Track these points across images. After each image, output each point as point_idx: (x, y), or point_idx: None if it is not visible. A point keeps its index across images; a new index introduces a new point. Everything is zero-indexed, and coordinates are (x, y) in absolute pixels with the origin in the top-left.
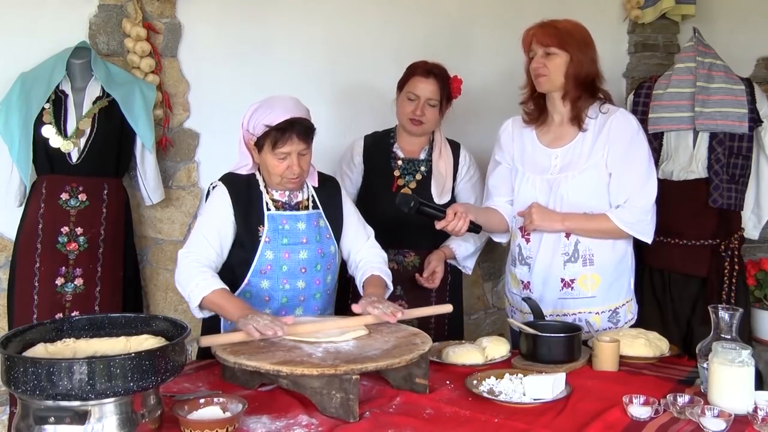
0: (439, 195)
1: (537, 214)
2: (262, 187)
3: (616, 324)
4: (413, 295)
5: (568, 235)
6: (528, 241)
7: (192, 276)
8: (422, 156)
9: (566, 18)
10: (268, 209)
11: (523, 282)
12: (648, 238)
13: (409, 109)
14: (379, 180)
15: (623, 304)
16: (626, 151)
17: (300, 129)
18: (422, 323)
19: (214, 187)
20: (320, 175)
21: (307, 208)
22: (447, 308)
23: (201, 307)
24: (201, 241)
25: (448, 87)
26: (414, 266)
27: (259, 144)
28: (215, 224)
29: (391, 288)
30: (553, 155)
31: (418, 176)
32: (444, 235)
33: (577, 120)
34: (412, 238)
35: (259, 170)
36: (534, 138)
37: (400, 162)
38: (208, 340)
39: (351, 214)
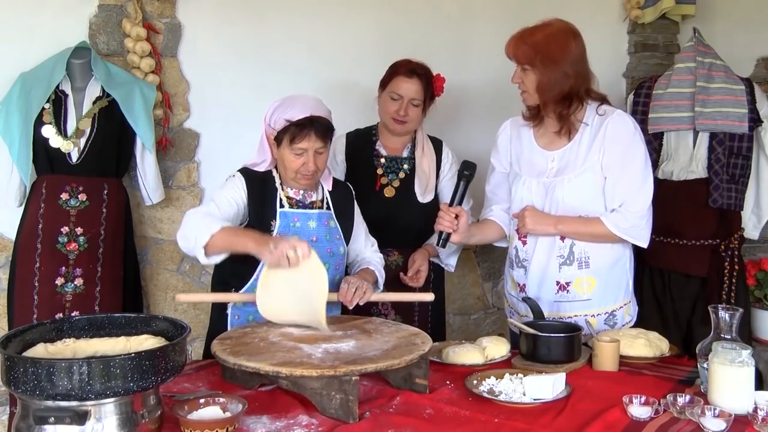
0: (423, 193)
1: (530, 217)
2: (277, 184)
3: (613, 327)
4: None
5: (563, 238)
6: (524, 243)
7: (197, 222)
8: (405, 154)
9: (552, 20)
10: (282, 206)
11: (519, 284)
12: (643, 243)
13: (393, 108)
14: (363, 179)
15: (621, 307)
16: (622, 154)
17: (318, 127)
18: (406, 319)
19: (230, 177)
20: (335, 180)
21: (320, 208)
22: (428, 296)
23: (208, 251)
24: (211, 206)
25: (431, 86)
26: (397, 265)
27: (278, 139)
28: (228, 200)
29: (381, 287)
30: (550, 158)
31: (402, 174)
32: (426, 234)
33: (566, 133)
34: (395, 237)
35: (276, 167)
36: (531, 139)
37: (383, 160)
38: (186, 297)
39: (361, 223)
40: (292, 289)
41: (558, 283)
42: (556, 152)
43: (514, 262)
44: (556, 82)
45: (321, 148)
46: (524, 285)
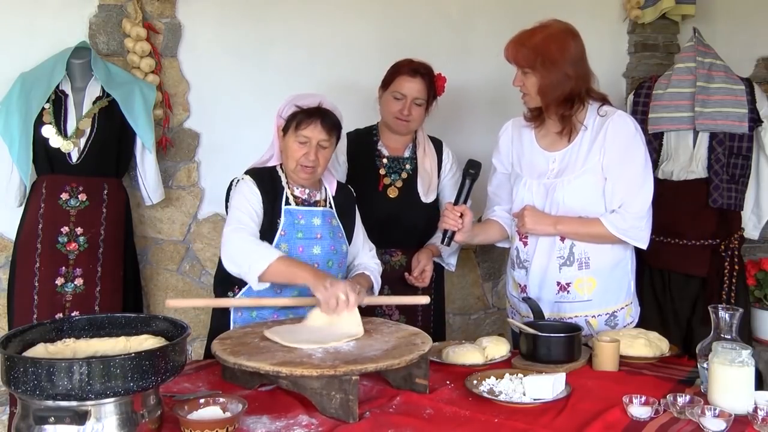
0: (426, 193)
1: (529, 217)
2: (284, 183)
3: (614, 327)
4: (401, 293)
5: (563, 239)
6: (525, 244)
7: (251, 249)
8: (407, 154)
9: (550, 21)
10: (287, 203)
11: (520, 285)
12: (642, 244)
13: (396, 108)
14: (365, 179)
15: (622, 308)
16: (622, 155)
17: (326, 119)
18: (410, 320)
19: (238, 181)
20: (338, 183)
21: (324, 207)
22: (423, 299)
23: (261, 278)
24: (244, 219)
25: (434, 85)
26: (401, 265)
27: (286, 128)
28: (251, 207)
29: (376, 293)
30: (551, 159)
31: (404, 174)
32: (429, 234)
33: (567, 134)
34: (398, 238)
35: (281, 166)
36: (533, 140)
37: (385, 160)
38: (175, 303)
39: (360, 226)
40: (322, 323)
41: (558, 283)
42: (557, 153)
43: (515, 263)
44: (558, 84)
45: (325, 141)
46: (525, 286)
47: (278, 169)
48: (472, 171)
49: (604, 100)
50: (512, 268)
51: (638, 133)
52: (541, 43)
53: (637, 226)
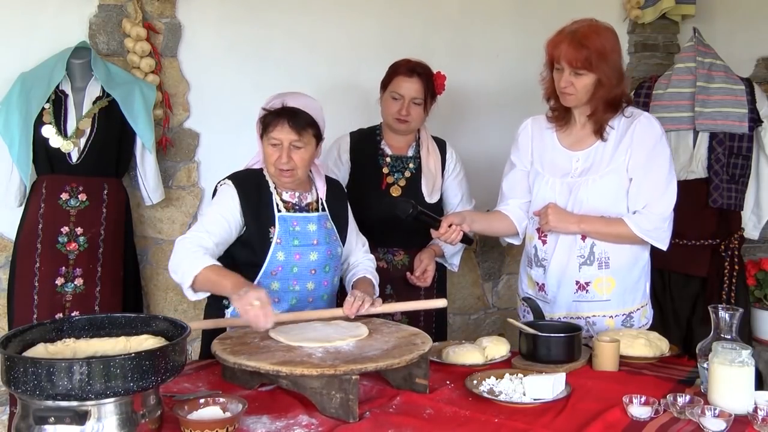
0: (430, 193)
1: (553, 214)
2: (272, 188)
3: (630, 328)
4: (403, 293)
5: (584, 238)
6: (545, 242)
7: (184, 257)
8: (410, 153)
9: (591, 20)
10: (279, 210)
11: (537, 284)
12: (663, 245)
13: (395, 108)
14: (368, 178)
15: (638, 309)
16: (648, 157)
17: (294, 118)
18: (412, 320)
19: (221, 185)
20: (327, 179)
21: (317, 210)
22: (440, 302)
23: (194, 288)
24: (200, 231)
25: (432, 84)
26: (403, 264)
27: (262, 133)
28: (219, 218)
29: (377, 293)
30: (575, 158)
31: (407, 174)
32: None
33: (600, 132)
34: (401, 237)
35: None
36: (555, 139)
37: (388, 159)
38: (198, 325)
39: (352, 221)
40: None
41: (578, 282)
42: (581, 152)
43: (532, 261)
44: (616, 85)
45: (297, 142)
46: (543, 284)
47: (265, 173)
48: (410, 212)
49: (629, 101)
50: (528, 266)
51: (664, 135)
52: (599, 43)
53: (660, 228)
